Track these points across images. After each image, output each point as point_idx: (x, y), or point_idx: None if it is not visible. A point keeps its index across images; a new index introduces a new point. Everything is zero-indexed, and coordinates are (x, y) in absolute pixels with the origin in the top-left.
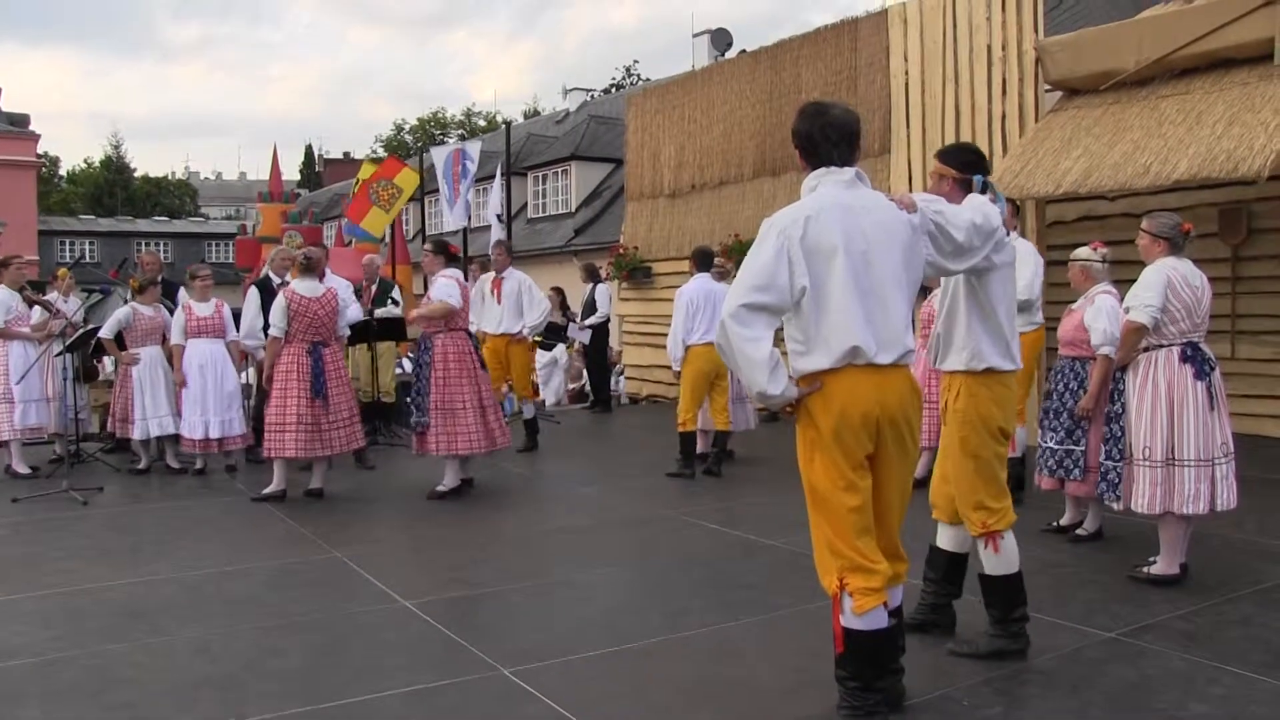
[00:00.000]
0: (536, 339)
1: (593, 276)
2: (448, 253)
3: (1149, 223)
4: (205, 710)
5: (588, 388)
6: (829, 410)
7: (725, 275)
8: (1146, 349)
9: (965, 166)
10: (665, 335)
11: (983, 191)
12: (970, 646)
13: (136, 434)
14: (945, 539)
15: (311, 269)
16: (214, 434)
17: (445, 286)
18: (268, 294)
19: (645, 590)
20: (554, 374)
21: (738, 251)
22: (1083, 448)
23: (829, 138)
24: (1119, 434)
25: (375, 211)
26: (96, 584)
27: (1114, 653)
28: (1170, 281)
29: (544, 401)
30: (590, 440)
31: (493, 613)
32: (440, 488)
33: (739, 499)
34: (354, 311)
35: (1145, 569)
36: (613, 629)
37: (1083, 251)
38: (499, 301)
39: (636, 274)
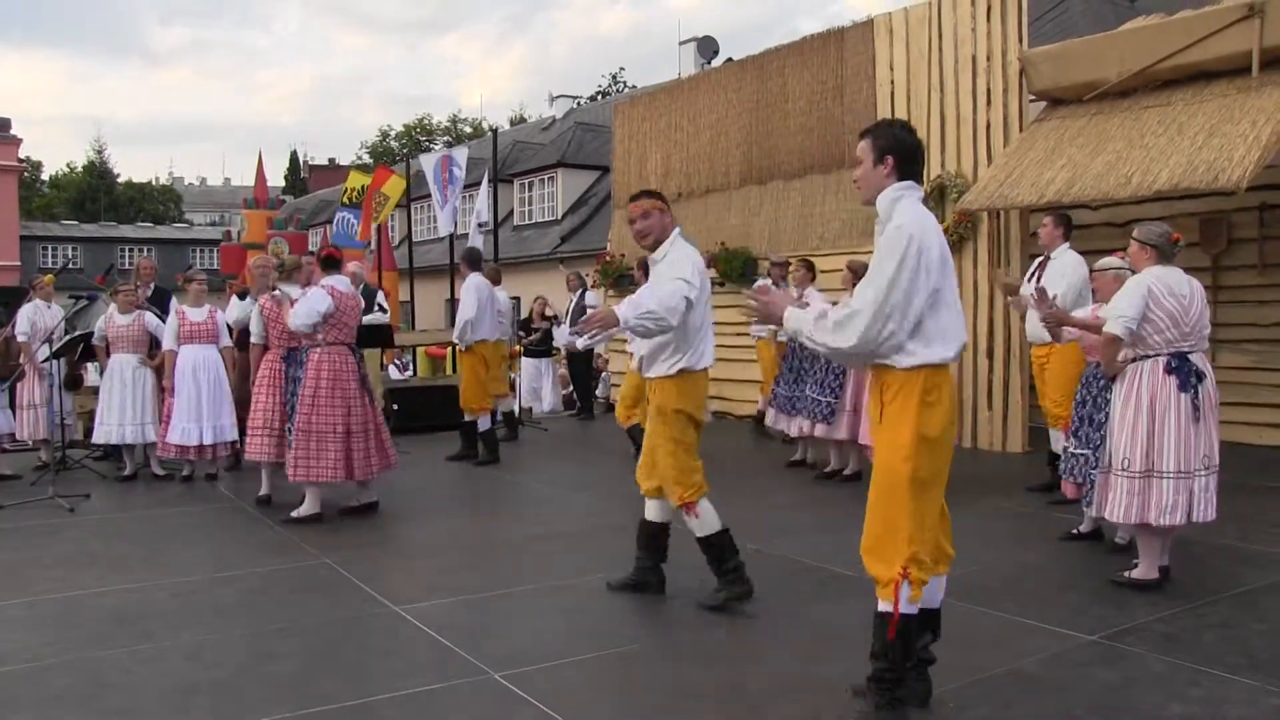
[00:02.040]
0: (521, 346)
1: (582, 283)
2: (323, 259)
3: (1139, 231)
4: (198, 716)
5: (575, 395)
6: (943, 404)
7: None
8: (1134, 359)
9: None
10: None
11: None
12: (713, 600)
13: (97, 438)
14: (652, 512)
15: (287, 276)
16: (206, 440)
17: (315, 295)
18: None
19: (634, 595)
20: (545, 382)
21: (724, 260)
22: None
23: (923, 160)
24: (1099, 443)
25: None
26: (86, 590)
27: (1096, 655)
28: (1151, 291)
29: (530, 409)
30: (577, 446)
31: (482, 617)
32: (297, 513)
33: (729, 506)
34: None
35: (1126, 573)
36: (602, 634)
37: (1112, 260)
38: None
39: (623, 281)
